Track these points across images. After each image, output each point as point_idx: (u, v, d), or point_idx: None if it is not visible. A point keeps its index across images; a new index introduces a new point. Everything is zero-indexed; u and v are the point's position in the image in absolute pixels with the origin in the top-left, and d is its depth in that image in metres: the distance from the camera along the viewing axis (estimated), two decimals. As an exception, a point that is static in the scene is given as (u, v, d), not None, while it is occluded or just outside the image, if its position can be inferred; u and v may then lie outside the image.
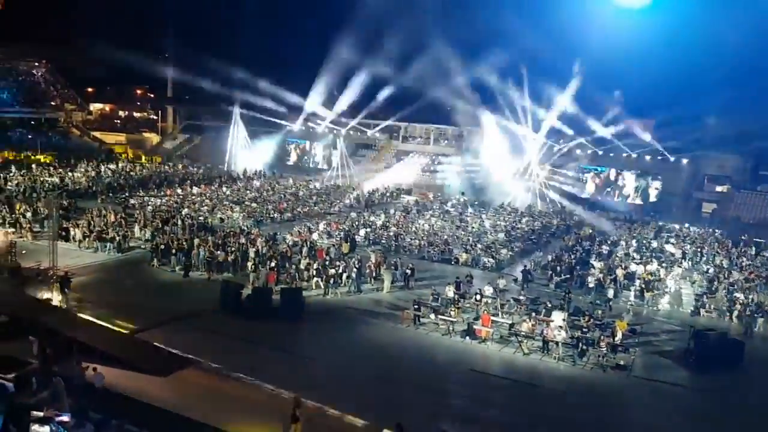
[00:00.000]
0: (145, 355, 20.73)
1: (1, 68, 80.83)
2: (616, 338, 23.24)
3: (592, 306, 27.74)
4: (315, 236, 38.60)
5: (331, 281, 29.01)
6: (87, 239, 34.59)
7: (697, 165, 60.06)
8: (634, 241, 42.23)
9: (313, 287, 29.18)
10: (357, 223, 43.49)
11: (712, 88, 57.79)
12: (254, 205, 47.97)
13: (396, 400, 18.58)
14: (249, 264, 30.28)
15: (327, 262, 31.22)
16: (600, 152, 63.68)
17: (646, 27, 60.16)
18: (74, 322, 22.76)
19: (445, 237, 40.52)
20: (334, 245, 36.41)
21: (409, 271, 31.25)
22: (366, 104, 70.39)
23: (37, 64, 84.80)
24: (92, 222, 37.18)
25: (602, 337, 22.96)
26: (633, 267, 34.27)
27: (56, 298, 25.29)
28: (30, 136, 73.02)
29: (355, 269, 30.19)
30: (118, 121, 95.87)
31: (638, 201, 59.83)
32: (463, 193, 58.51)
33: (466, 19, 68.50)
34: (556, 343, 22.89)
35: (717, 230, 48.54)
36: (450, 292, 27.83)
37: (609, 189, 62.00)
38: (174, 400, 16.74)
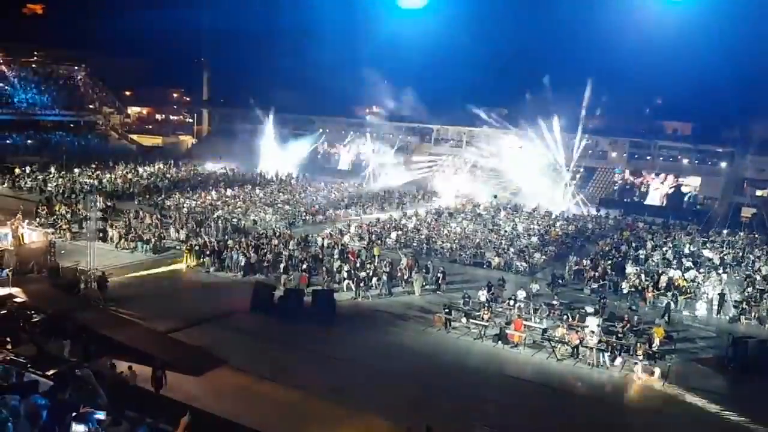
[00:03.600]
0: (178, 354, 21.01)
1: (42, 72, 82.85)
2: (653, 345, 22.81)
3: (629, 312, 27.25)
4: (346, 238, 38.72)
5: (362, 284, 29.06)
6: (124, 240, 35.22)
7: (737, 168, 58.70)
8: (671, 246, 41.42)
9: (345, 289, 29.26)
10: (388, 225, 43.47)
11: (753, 90, 56.58)
12: (287, 207, 48.33)
13: (426, 403, 18.52)
14: (281, 265, 30.50)
15: (358, 265, 31.29)
16: (636, 155, 62.75)
17: (684, 27, 59.03)
18: (110, 321, 23.19)
19: (477, 240, 40.26)
20: (365, 248, 36.47)
21: (440, 275, 31.15)
22: (398, 106, 70.57)
23: (76, 68, 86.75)
24: (129, 223, 37.88)
25: (638, 344, 22.57)
26: (671, 273, 33.62)
27: (93, 297, 25.80)
28: (69, 139, 74.71)
29: (386, 272, 30.18)
30: (155, 125, 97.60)
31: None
32: (495, 197, 58.06)
33: (499, 24, 68.29)
34: (590, 348, 22.56)
35: (757, 235, 47.28)
36: (482, 296, 27.65)
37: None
38: (207, 399, 16.92)
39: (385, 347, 23.27)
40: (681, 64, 58.33)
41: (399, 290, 30.35)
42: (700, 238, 44.97)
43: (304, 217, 45.96)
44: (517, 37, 67.28)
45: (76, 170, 58.17)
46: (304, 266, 30.53)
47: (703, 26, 59.03)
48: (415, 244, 39.13)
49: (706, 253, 39.99)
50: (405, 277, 31.20)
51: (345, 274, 30.07)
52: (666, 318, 27.13)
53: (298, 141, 74.88)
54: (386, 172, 68.96)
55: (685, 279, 32.28)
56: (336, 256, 33.15)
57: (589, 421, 18.57)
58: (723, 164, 59.16)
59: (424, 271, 31.66)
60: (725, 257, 38.89)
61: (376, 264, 31.92)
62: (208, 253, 32.46)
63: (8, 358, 15.61)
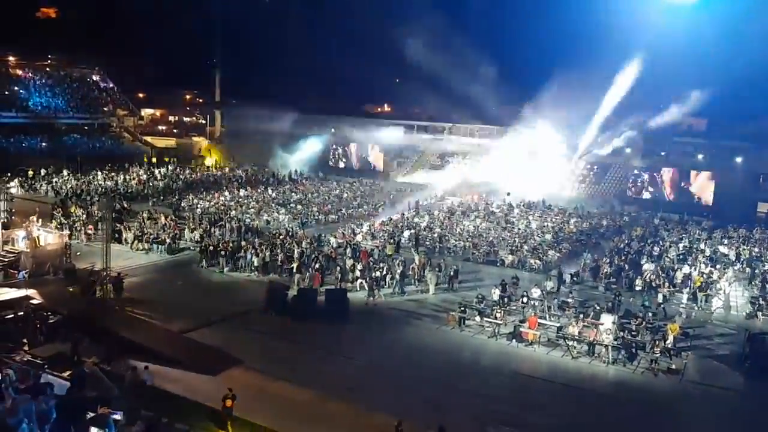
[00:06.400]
0: (193, 354, 21.13)
1: (57, 75, 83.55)
2: (668, 342, 22.64)
3: (644, 309, 27.04)
4: (359, 238, 38.73)
5: (375, 283, 29.01)
6: (138, 241, 35.42)
7: (753, 163, 58.08)
8: (686, 242, 41.08)
9: (358, 289, 29.25)
10: (401, 224, 43.42)
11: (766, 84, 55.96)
12: (299, 207, 48.42)
13: (440, 402, 18.49)
14: (294, 265, 30.57)
15: (371, 264, 31.29)
16: (651, 151, 62.27)
17: (698, 22, 58.47)
18: (126, 322, 23.35)
19: (491, 238, 40.12)
20: (377, 247, 36.47)
21: (452, 273, 31.08)
22: (410, 104, 70.44)
23: (90, 70, 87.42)
24: (144, 224, 38.13)
25: (654, 341, 22.42)
26: (686, 269, 33.38)
27: (109, 298, 26.00)
28: (83, 141, 75.26)
29: (398, 271, 30.15)
30: (167, 127, 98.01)
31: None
32: (509, 194, 57.80)
33: (514, 14, 68.07)
34: (605, 346, 22.43)
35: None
36: (496, 294, 27.56)
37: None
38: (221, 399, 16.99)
39: (398, 346, 23.27)
40: (696, 58, 57.75)
41: (412, 289, 30.33)
42: (716, 234, 44.58)
43: (316, 217, 46.04)
44: (528, 34, 66.99)
45: (99, 173, 58.45)
46: (317, 266, 30.57)
47: (718, 20, 58.48)
48: (428, 243, 39.05)
49: (722, 249, 39.63)
50: (417, 276, 31.17)
51: (358, 274, 30.09)
52: (662, 314, 26.92)
53: (309, 140, 74.90)
54: (399, 170, 69.00)
55: (701, 275, 32.01)
56: (349, 255, 33.19)
57: (606, 420, 18.45)
58: (739, 159, 58.57)
59: (437, 269, 31.59)
60: (741, 253, 38.52)
61: (389, 263, 31.92)
62: (222, 253, 32.60)
63: (25, 359, 15.81)
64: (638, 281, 31.18)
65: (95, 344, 20.58)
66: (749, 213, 53.74)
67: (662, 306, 28.17)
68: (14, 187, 49.75)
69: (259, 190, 55.92)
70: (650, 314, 25.96)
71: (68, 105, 79.64)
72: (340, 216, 47.08)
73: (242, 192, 54.49)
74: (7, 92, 75.30)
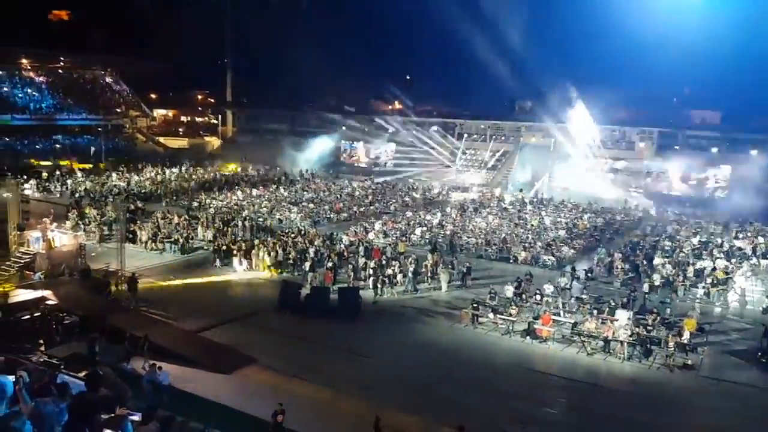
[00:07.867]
0: (208, 353, 21.21)
1: (69, 77, 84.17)
2: (684, 337, 22.44)
3: (661, 304, 26.80)
4: (371, 236, 38.70)
5: (387, 281, 28.98)
6: (152, 242, 35.60)
7: (768, 156, 57.41)
8: (702, 236, 40.70)
9: (371, 287, 29.21)
10: (413, 222, 43.35)
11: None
12: (311, 205, 48.49)
13: (455, 400, 18.43)
14: (307, 264, 30.60)
15: (383, 262, 31.26)
16: (664, 145, 61.79)
17: (712, 15, 57.96)
18: (141, 322, 23.48)
19: (503, 235, 39.95)
20: (390, 244, 36.43)
21: (465, 270, 30.95)
22: (420, 102, 70.20)
23: (102, 72, 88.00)
24: (158, 225, 38.31)
25: (670, 336, 22.23)
26: (702, 263, 33.05)
27: (124, 298, 26.18)
28: (96, 145, 75.85)
29: (411, 268, 30.08)
30: (180, 127, 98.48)
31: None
32: (521, 190, 57.57)
33: (521, 12, 67.74)
34: (620, 342, 22.27)
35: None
36: (509, 291, 27.43)
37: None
38: (236, 397, 17.05)
39: (412, 344, 23.23)
40: (708, 52, 57.27)
41: (425, 286, 30.26)
42: (731, 228, 44.12)
43: (328, 215, 46.06)
44: (541, 30, 66.64)
45: (113, 174, 58.83)
46: (330, 264, 30.58)
47: (730, 13, 57.94)
48: (440, 240, 38.94)
49: (738, 243, 39.23)
50: (430, 274, 31.08)
51: (370, 272, 30.05)
52: (675, 309, 26.68)
53: (320, 139, 74.89)
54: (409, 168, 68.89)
55: (717, 270, 31.68)
56: (361, 254, 33.16)
57: (622, 416, 18.31)
58: (753, 152, 57.97)
59: (450, 266, 31.50)
60: (758, 247, 38.10)
61: (401, 260, 31.86)
62: (235, 252, 32.69)
63: (42, 359, 15.90)
64: (655, 276, 30.82)
65: (111, 344, 20.75)
66: (765, 206, 53.07)
67: (676, 300, 27.88)
68: (29, 189, 50.20)
69: (271, 189, 56.02)
70: (667, 310, 25.75)
71: (81, 107, 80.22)
72: (351, 214, 47.07)
73: (255, 191, 54.61)
74: (20, 95, 75.98)
